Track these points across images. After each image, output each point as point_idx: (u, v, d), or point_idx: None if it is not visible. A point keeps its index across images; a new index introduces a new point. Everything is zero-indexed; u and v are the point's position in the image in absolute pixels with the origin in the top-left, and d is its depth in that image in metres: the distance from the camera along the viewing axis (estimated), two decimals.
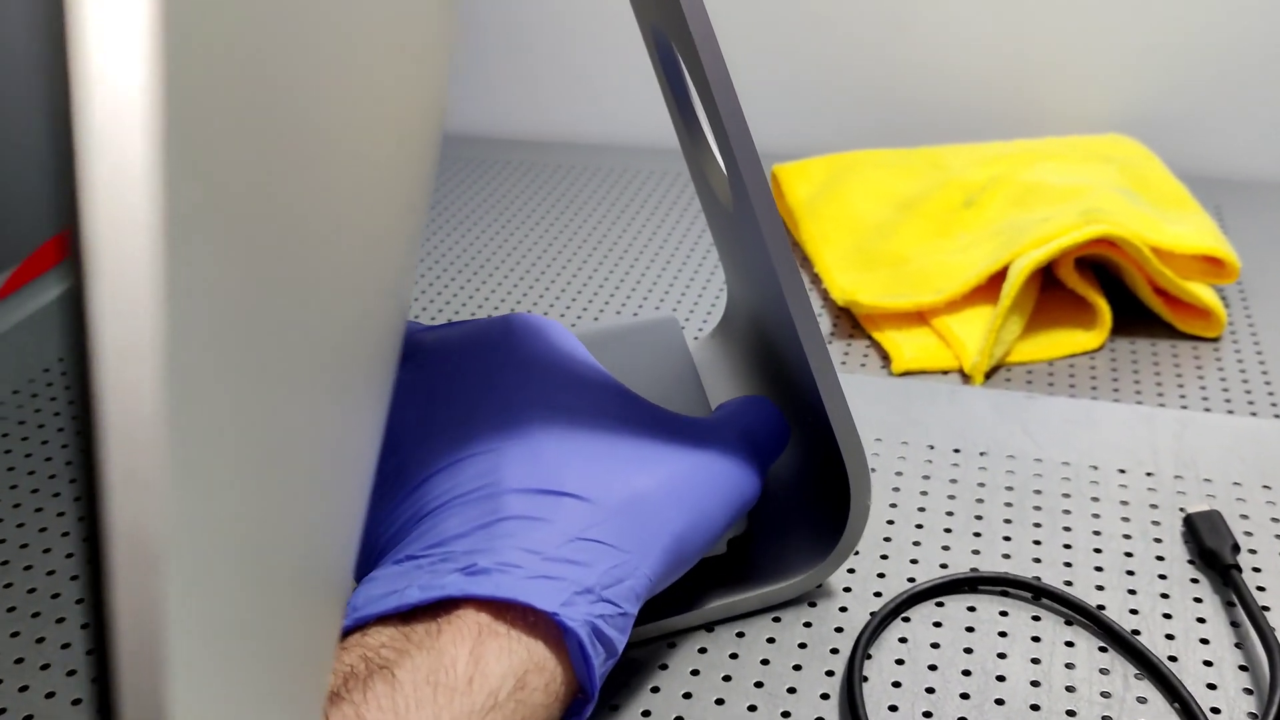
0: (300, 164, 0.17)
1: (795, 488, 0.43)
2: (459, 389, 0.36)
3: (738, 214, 0.38)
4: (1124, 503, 0.45)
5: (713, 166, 0.42)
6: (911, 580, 0.42)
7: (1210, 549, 0.42)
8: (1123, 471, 0.47)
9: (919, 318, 0.63)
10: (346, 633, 0.29)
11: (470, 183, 0.82)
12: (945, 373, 0.59)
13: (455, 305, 0.66)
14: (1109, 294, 0.61)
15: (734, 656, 0.40)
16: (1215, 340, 0.60)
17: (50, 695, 0.39)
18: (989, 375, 0.58)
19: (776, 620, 0.41)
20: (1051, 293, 0.62)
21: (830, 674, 0.39)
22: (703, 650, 0.40)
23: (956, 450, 0.49)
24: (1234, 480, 0.46)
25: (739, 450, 0.37)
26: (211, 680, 0.14)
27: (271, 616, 0.17)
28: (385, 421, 0.31)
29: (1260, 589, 0.41)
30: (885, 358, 0.60)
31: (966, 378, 0.58)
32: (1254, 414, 0.53)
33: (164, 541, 0.12)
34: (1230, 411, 0.53)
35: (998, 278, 0.62)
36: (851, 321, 0.64)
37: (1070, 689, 0.38)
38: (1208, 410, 0.53)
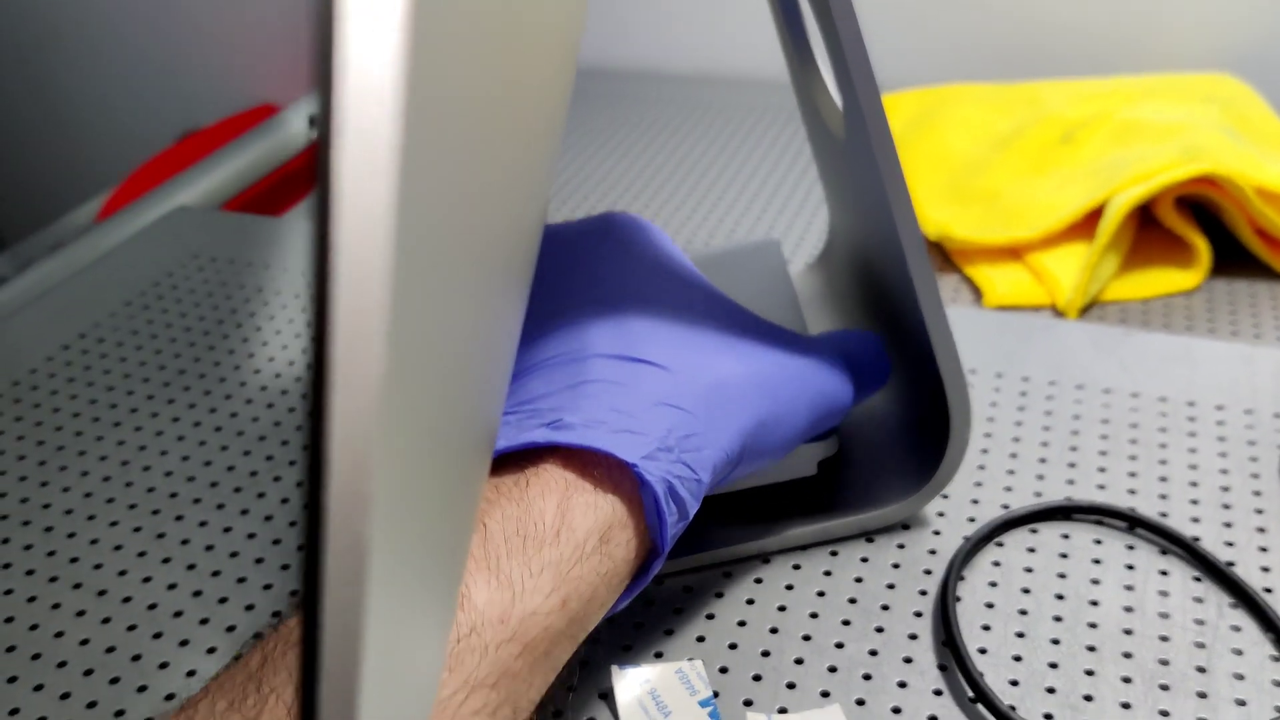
0: (498, 67, 0.18)
1: (893, 418, 0.44)
2: (554, 273, 0.37)
3: (850, 144, 0.38)
4: (1221, 439, 0.45)
5: (824, 96, 0.42)
6: (1005, 508, 0.43)
7: None
8: (1220, 408, 0.47)
9: (1012, 253, 0.62)
10: None
11: (579, 114, 0.83)
12: (1037, 309, 0.59)
13: None
14: (1207, 234, 0.61)
15: (828, 574, 0.40)
16: None
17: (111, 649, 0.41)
18: (1082, 312, 0.58)
19: (870, 541, 0.42)
20: (1149, 231, 0.62)
21: (924, 593, 0.39)
22: (797, 567, 0.41)
23: (1052, 383, 0.49)
24: None
25: (833, 362, 0.37)
26: (402, 517, 0.15)
27: (448, 472, 0.19)
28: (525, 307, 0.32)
29: None
30: (977, 293, 0.60)
31: (1059, 314, 0.58)
32: None
33: (377, 393, 0.13)
34: None
35: (1094, 215, 0.61)
36: (942, 256, 0.64)
37: (1164, 615, 0.38)
38: None
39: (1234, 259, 0.60)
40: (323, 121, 0.12)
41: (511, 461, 0.31)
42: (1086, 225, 0.61)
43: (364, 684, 0.13)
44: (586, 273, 0.37)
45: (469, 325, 0.19)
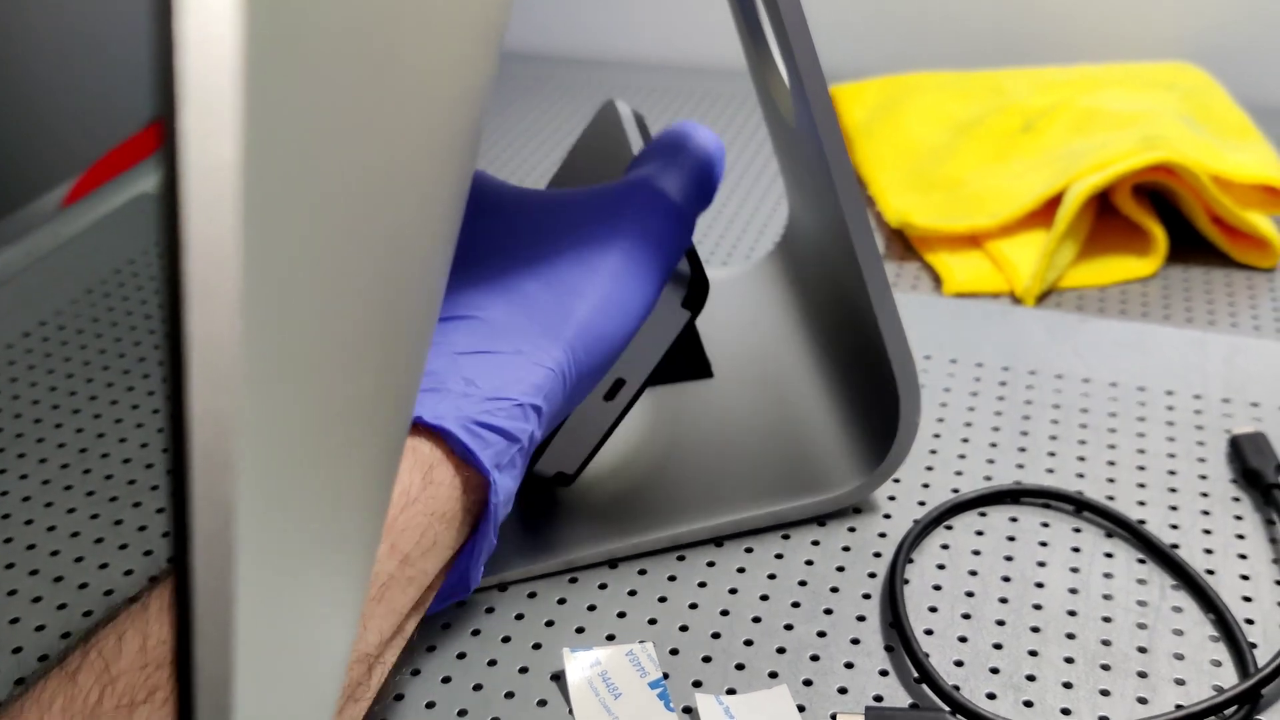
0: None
1: (846, 403, 0.44)
2: None
3: (800, 129, 0.39)
4: (1170, 423, 0.46)
5: (777, 81, 0.43)
6: (955, 491, 0.43)
7: (1254, 469, 0.42)
8: (1170, 394, 0.47)
9: (972, 241, 0.63)
10: None
11: (527, 102, 0.83)
12: (996, 296, 0.59)
13: None
14: (1164, 221, 0.61)
15: (779, 557, 0.41)
16: (1270, 270, 0.60)
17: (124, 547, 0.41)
18: (1040, 299, 0.59)
19: (821, 525, 0.42)
20: (1107, 219, 0.62)
21: (872, 576, 0.40)
22: (749, 550, 0.41)
23: (1006, 368, 0.49)
24: None
25: (652, 198, 0.38)
26: (279, 481, 0.15)
27: (339, 444, 0.19)
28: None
29: None
30: (937, 280, 0.61)
31: (1017, 301, 0.58)
32: None
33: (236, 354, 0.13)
34: None
35: (1053, 203, 0.62)
36: (904, 244, 0.64)
37: (1107, 597, 0.39)
38: (1259, 336, 0.53)
39: (1191, 246, 0.61)
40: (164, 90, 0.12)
41: None
42: (1045, 213, 0.62)
43: (240, 655, 0.14)
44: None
45: (363, 291, 0.19)
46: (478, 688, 0.36)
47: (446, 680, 0.36)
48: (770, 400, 0.46)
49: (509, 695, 0.36)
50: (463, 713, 0.35)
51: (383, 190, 0.20)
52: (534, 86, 0.84)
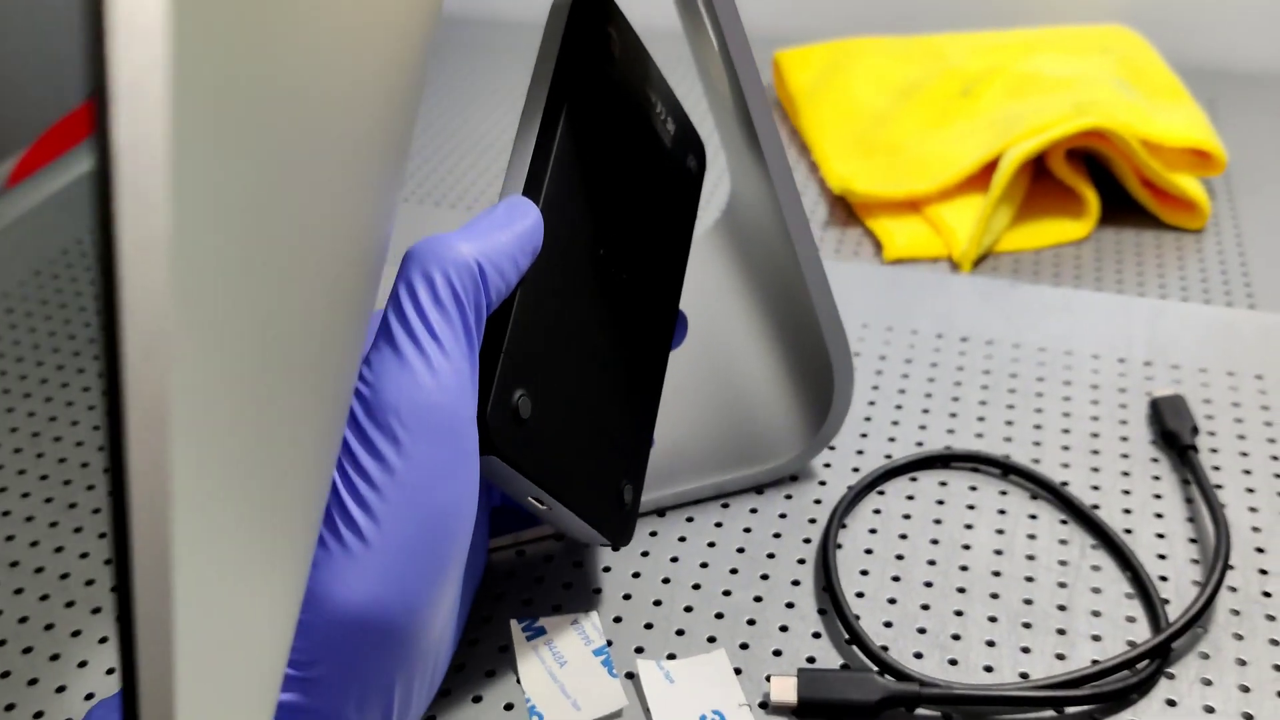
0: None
1: (783, 373, 0.46)
2: None
3: (734, 100, 0.40)
4: (1094, 386, 0.48)
5: (709, 47, 0.43)
6: (888, 458, 0.45)
7: (1171, 430, 0.44)
8: (1096, 357, 0.49)
9: (912, 206, 0.64)
10: None
11: (474, 67, 0.83)
12: (935, 260, 0.61)
13: (458, 189, 0.67)
14: (1098, 184, 0.63)
15: (719, 525, 0.42)
16: (1198, 232, 0.62)
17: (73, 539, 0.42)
18: (977, 263, 0.60)
19: (759, 493, 0.44)
20: (1042, 183, 0.64)
21: (807, 541, 0.42)
22: (690, 520, 0.43)
23: (939, 335, 0.51)
24: (1201, 367, 0.48)
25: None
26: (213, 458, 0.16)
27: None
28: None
29: (1215, 468, 0.43)
30: (878, 246, 0.62)
31: (955, 266, 0.60)
32: (1229, 304, 0.55)
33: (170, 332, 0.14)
34: (1207, 301, 0.55)
35: (989, 168, 0.63)
36: (847, 210, 0.65)
37: (1030, 557, 0.40)
38: (1185, 300, 0.54)
39: (1123, 208, 0.63)
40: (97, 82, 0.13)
41: None
42: (982, 177, 0.63)
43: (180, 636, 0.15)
44: None
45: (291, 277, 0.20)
46: None
47: None
48: (711, 372, 0.47)
49: (459, 668, 0.37)
50: None
51: (323, 171, 0.21)
52: (476, 50, 0.85)
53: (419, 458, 0.29)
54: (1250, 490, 0.42)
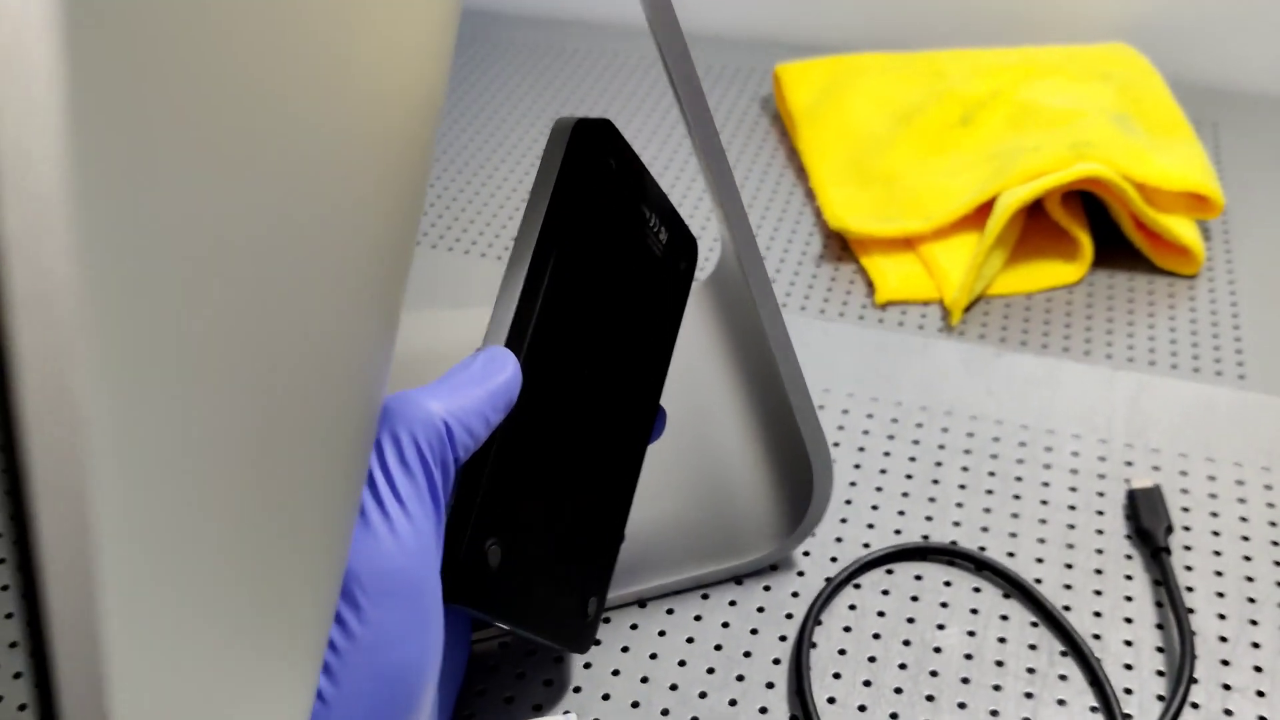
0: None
1: (765, 457, 0.46)
2: None
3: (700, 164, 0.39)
4: (1074, 471, 0.48)
5: None
6: (867, 546, 0.46)
7: (1145, 529, 0.45)
8: (1077, 437, 0.50)
9: (906, 243, 0.64)
10: None
11: (469, 58, 0.82)
12: (927, 303, 0.61)
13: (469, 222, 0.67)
14: (1093, 221, 0.63)
15: (698, 619, 0.43)
16: (1192, 277, 0.62)
17: None
18: (970, 308, 0.60)
19: (739, 584, 0.45)
20: (1036, 221, 0.64)
21: (783, 639, 0.43)
22: (670, 611, 0.44)
23: (923, 408, 0.51)
24: (1181, 451, 0.49)
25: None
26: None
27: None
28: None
29: (1188, 568, 0.44)
30: (871, 285, 0.62)
31: (947, 313, 0.60)
32: (1218, 367, 0.55)
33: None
34: (1196, 363, 0.55)
35: (985, 206, 0.63)
36: (841, 243, 0.65)
37: (999, 663, 0.41)
38: (1174, 365, 0.55)
39: (1118, 248, 0.63)
40: None
41: None
42: (978, 216, 0.63)
43: None
44: None
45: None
46: None
47: None
48: (695, 455, 0.48)
49: None
50: None
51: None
52: (501, 47, 0.84)
53: (379, 622, 0.30)
54: (1220, 595, 0.43)
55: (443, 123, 0.76)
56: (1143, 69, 0.71)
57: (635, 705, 0.41)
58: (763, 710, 0.40)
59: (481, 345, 0.33)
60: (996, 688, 0.41)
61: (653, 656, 0.42)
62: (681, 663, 0.42)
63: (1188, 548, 0.45)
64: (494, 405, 0.32)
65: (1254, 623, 0.42)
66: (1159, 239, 0.62)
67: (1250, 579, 0.44)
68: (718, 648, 0.42)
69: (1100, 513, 0.47)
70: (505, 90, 0.80)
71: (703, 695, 0.41)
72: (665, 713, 0.40)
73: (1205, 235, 0.64)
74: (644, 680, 0.41)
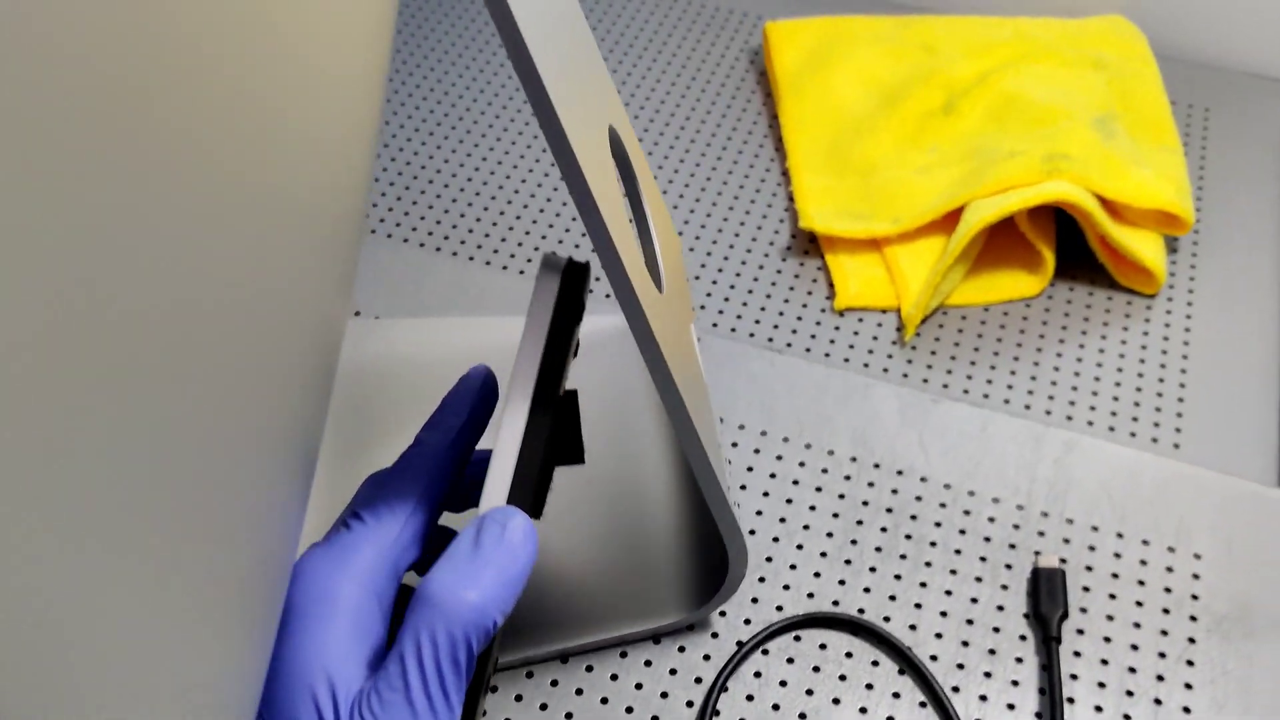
0: None
1: (688, 513, 0.49)
2: None
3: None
4: (987, 539, 0.50)
5: None
6: (780, 609, 0.49)
7: (1042, 614, 0.47)
8: (996, 501, 0.52)
9: (873, 244, 0.64)
10: None
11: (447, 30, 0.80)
12: (885, 311, 0.62)
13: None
14: (1061, 229, 0.63)
15: (614, 678, 0.47)
16: (1151, 296, 0.62)
17: None
18: (925, 320, 0.61)
19: (656, 642, 0.48)
20: (1002, 229, 0.64)
21: (690, 704, 0.46)
22: (589, 669, 0.47)
23: (853, 459, 0.53)
24: (1093, 524, 0.51)
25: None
26: None
27: None
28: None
29: (1077, 654, 0.47)
30: (833, 290, 0.63)
31: (902, 327, 0.61)
32: (1159, 394, 0.56)
33: None
34: (1137, 404, 0.56)
35: (955, 210, 0.63)
36: (810, 234, 0.66)
37: None
38: (1112, 415, 0.56)
39: (1082, 259, 0.63)
40: None
41: None
42: (946, 220, 0.63)
43: None
44: None
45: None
46: None
47: None
48: (623, 511, 0.50)
49: None
50: None
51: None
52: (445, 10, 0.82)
53: None
54: (1101, 685, 0.46)
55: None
56: (1137, 52, 0.69)
57: None
58: None
59: (495, 503, 0.35)
60: None
61: (568, 716, 0.46)
62: None
63: (1080, 631, 0.48)
64: (525, 579, 0.35)
65: (1127, 718, 0.45)
66: (1122, 257, 0.62)
67: (1132, 670, 0.47)
68: (629, 710, 0.46)
69: (1005, 587, 0.49)
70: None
71: None
72: None
73: (1174, 246, 0.64)
74: None
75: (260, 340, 0.25)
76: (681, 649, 0.48)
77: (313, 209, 0.27)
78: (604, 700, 0.46)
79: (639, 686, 0.47)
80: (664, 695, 0.47)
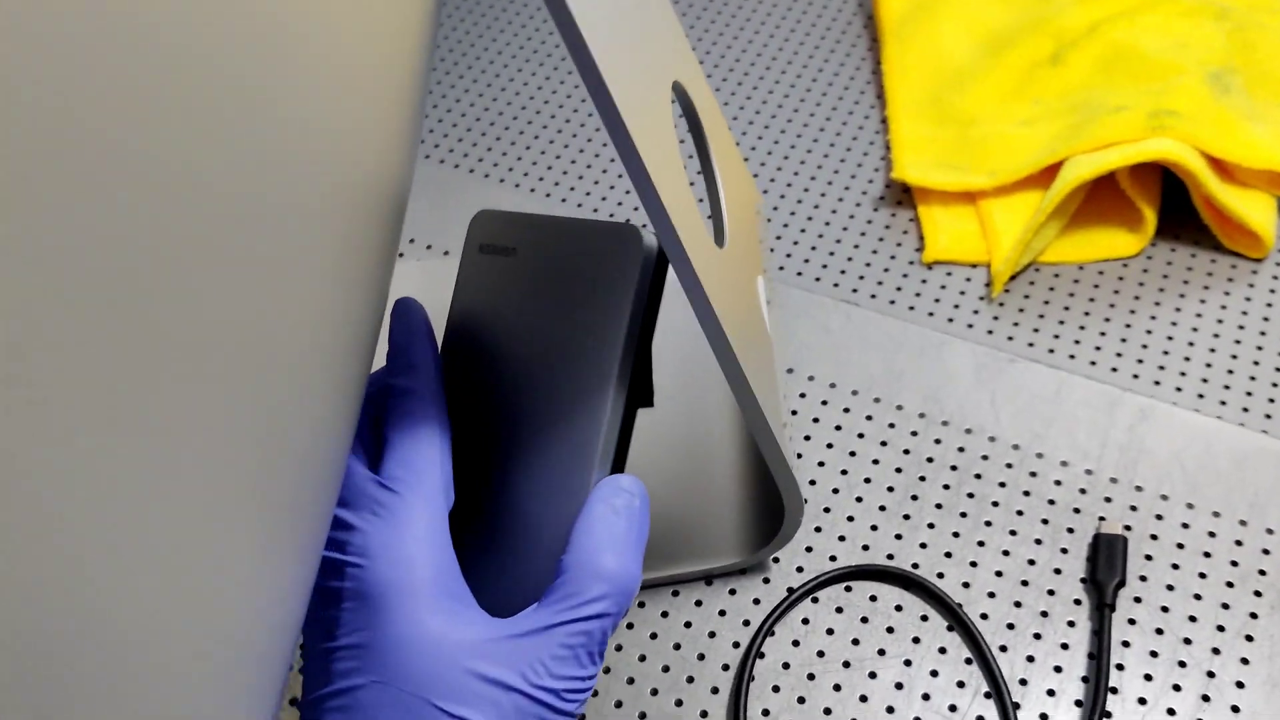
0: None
1: (748, 463, 0.50)
2: None
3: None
4: (1051, 502, 0.50)
5: None
6: (834, 559, 0.49)
7: (1099, 580, 0.47)
8: (1064, 465, 0.51)
9: (968, 196, 0.63)
10: None
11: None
12: (975, 266, 0.61)
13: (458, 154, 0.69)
14: (1167, 186, 0.61)
15: (664, 615, 0.48)
16: (1259, 260, 0.60)
17: None
18: (1016, 276, 0.60)
19: (708, 583, 0.49)
20: (1102, 184, 0.62)
21: (736, 645, 0.47)
22: (642, 605, 0.49)
23: (922, 415, 0.53)
24: (1162, 493, 0.50)
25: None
26: None
27: None
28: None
29: (1131, 622, 0.46)
30: (922, 241, 0.62)
31: (988, 282, 0.60)
32: (1256, 363, 0.54)
33: None
34: (1234, 357, 0.54)
35: (1051, 167, 0.61)
36: (904, 184, 0.65)
37: (926, 697, 0.45)
38: (1203, 384, 0.54)
39: (1186, 219, 0.61)
40: None
41: None
42: (1043, 174, 0.62)
43: None
44: None
45: None
46: None
47: None
48: (686, 453, 0.51)
49: None
50: None
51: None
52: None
53: None
54: (1154, 654, 0.46)
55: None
56: (1264, 2, 0.66)
57: (595, 694, 0.47)
58: (703, 714, 0.46)
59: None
60: None
61: (618, 648, 0.48)
62: (642, 658, 0.47)
63: (1138, 599, 0.47)
64: None
65: (1177, 688, 0.45)
66: (1228, 218, 0.60)
67: (1187, 640, 0.46)
68: (676, 647, 0.48)
69: (1064, 551, 0.49)
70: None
71: (654, 692, 0.46)
72: (619, 705, 0.46)
73: None
74: (607, 671, 0.47)
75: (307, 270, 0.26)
76: (732, 591, 0.49)
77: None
78: (653, 635, 0.48)
79: (688, 625, 0.48)
80: (711, 635, 0.48)
